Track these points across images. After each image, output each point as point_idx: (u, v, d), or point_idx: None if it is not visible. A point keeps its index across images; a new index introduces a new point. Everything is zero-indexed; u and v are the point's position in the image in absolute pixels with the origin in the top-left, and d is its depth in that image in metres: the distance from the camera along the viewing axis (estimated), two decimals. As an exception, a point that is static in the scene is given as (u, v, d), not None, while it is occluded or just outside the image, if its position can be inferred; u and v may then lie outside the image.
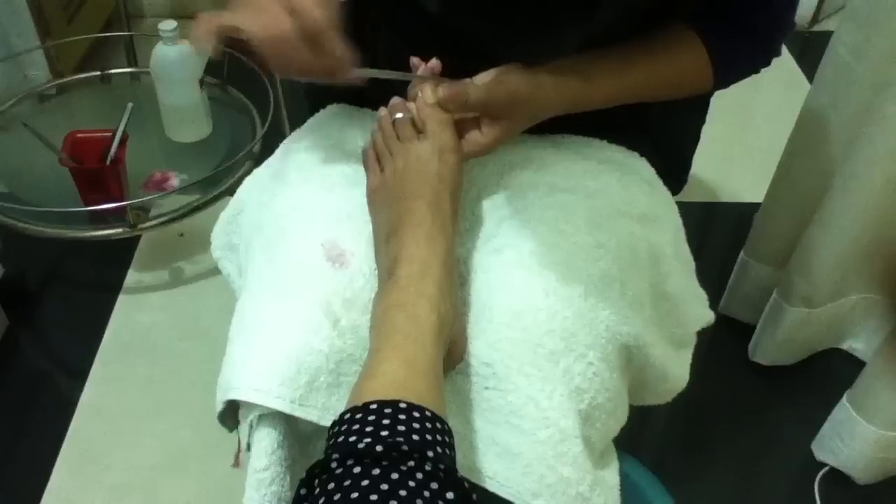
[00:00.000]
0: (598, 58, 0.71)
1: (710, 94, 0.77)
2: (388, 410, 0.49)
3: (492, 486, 0.63)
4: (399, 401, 0.50)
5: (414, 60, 0.72)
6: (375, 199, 0.68)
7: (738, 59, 0.75)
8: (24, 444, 1.23)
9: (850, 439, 1.16)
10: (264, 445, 0.63)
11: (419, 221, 0.62)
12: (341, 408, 0.57)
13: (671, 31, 0.74)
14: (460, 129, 0.69)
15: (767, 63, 0.76)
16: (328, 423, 0.61)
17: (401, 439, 0.47)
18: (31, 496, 1.16)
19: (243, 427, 0.64)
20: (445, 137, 0.67)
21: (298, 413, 0.61)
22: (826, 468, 1.21)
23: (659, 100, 0.76)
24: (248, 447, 0.64)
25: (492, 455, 0.63)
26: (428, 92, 0.69)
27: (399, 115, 0.69)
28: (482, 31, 0.70)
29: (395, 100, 0.71)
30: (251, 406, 0.63)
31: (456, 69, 0.71)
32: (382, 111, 0.71)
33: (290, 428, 0.64)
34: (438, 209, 0.64)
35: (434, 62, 0.71)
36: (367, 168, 0.71)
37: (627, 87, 0.73)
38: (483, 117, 0.69)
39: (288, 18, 0.61)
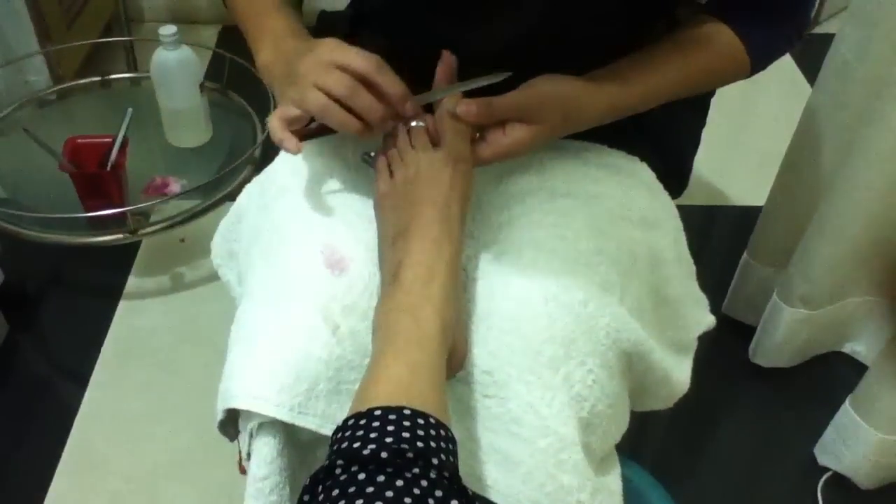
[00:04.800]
0: (629, 62, 0.72)
1: (750, 76, 0.78)
2: (392, 416, 0.49)
3: (492, 494, 0.63)
4: (403, 407, 0.49)
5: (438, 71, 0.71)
6: (384, 204, 0.67)
7: (770, 38, 0.75)
8: (24, 449, 1.23)
9: (853, 443, 1.16)
10: (264, 454, 0.62)
11: (427, 226, 0.62)
12: (341, 415, 0.57)
13: (698, 25, 0.74)
14: (483, 132, 0.68)
15: (801, 37, 0.76)
16: (328, 431, 0.61)
17: (405, 446, 0.47)
18: (32, 502, 1.15)
19: (243, 436, 0.64)
20: (461, 148, 0.67)
21: (298, 421, 0.61)
22: (829, 473, 1.21)
23: (698, 93, 0.77)
24: (248, 456, 0.64)
25: (492, 463, 0.63)
26: (450, 102, 0.68)
27: (414, 122, 0.68)
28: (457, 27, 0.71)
29: (411, 107, 0.70)
30: (251, 414, 0.62)
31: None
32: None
33: (290, 436, 0.64)
34: (447, 215, 0.63)
35: (448, 58, 0.70)
36: (377, 173, 0.70)
37: (664, 86, 0.73)
38: (512, 121, 0.68)
39: (338, 75, 0.62)
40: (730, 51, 0.74)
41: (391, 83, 0.64)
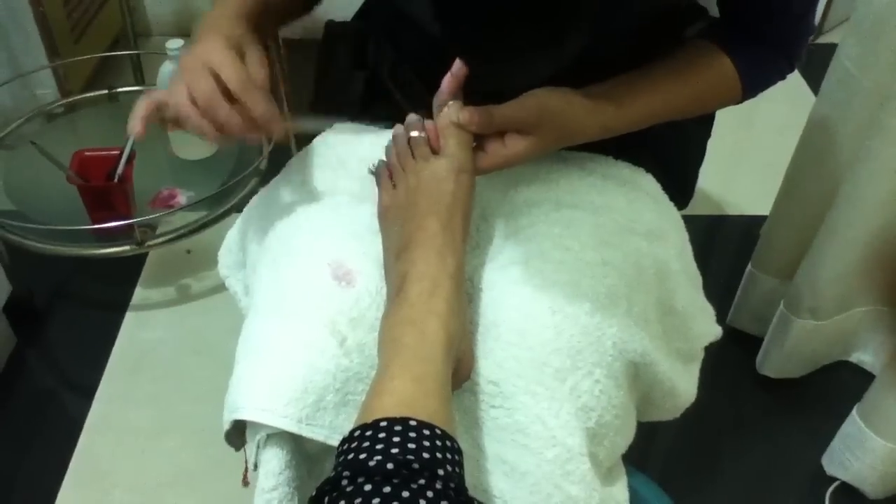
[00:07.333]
0: (624, 82, 0.72)
1: (740, 103, 0.79)
2: (398, 428, 0.49)
3: (499, 505, 0.63)
4: (409, 418, 0.50)
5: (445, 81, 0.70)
6: (387, 216, 0.68)
7: (764, 68, 0.76)
8: (31, 461, 1.23)
9: (860, 453, 1.15)
10: (272, 466, 0.62)
11: (430, 238, 0.62)
12: (348, 427, 0.57)
13: (695, 49, 0.75)
14: (482, 141, 0.68)
15: (793, 68, 0.77)
16: (335, 443, 0.61)
17: (411, 457, 0.47)
18: (38, 514, 1.16)
19: (250, 447, 0.64)
20: (463, 158, 0.67)
21: (305, 433, 0.61)
22: (837, 482, 1.20)
23: (690, 116, 0.77)
24: (255, 467, 0.64)
25: (499, 474, 0.63)
26: (452, 110, 0.68)
27: (415, 133, 0.68)
28: (483, 47, 0.71)
29: (412, 117, 0.70)
30: (258, 426, 0.62)
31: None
32: (398, 128, 0.71)
33: (298, 448, 0.64)
34: (450, 227, 0.63)
35: (459, 70, 0.69)
36: (379, 185, 0.70)
37: (658, 108, 0.73)
38: (510, 132, 0.68)
39: (206, 82, 0.63)
40: (725, 79, 0.74)
41: (256, 103, 0.64)
